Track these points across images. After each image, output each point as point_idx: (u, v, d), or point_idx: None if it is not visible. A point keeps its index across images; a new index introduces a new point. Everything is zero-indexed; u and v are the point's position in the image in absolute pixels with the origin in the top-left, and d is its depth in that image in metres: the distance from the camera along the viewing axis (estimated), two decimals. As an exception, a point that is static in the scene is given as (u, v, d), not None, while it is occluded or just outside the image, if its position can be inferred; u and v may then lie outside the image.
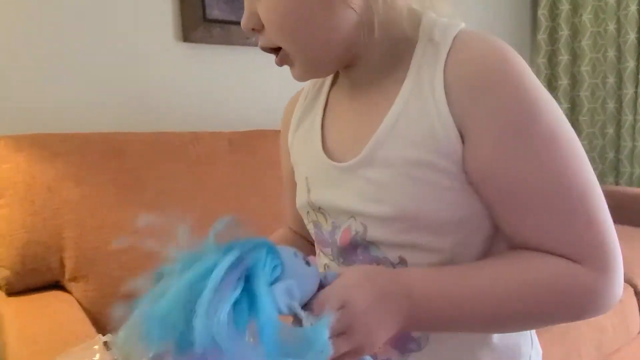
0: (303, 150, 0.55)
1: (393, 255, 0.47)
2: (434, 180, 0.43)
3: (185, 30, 1.40)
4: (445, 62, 0.42)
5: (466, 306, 0.41)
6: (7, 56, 1.16)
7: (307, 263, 0.40)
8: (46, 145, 1.03)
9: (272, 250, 0.38)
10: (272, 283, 0.36)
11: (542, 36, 2.25)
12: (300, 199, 0.54)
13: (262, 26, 0.44)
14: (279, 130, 1.48)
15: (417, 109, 0.43)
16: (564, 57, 2.21)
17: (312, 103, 0.55)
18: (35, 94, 1.20)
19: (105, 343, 0.73)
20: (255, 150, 1.31)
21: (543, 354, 0.65)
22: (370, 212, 0.46)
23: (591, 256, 0.41)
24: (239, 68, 1.53)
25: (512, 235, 0.44)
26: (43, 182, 1.00)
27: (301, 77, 0.49)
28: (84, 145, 1.07)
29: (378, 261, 0.47)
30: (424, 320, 0.42)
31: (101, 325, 0.98)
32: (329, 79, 0.55)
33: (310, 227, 0.55)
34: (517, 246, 0.44)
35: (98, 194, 1.04)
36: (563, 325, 1.07)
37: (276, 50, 0.46)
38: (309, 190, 0.53)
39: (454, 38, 0.43)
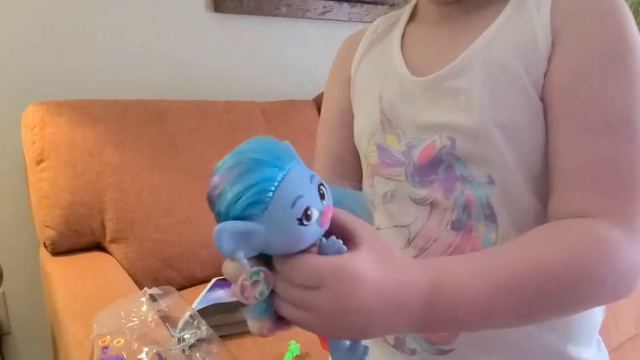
0: (376, 72, 0.54)
1: (480, 173, 0.44)
2: (525, 88, 0.43)
3: (216, 0, 1.40)
4: None
5: (499, 291, 0.37)
6: (50, 25, 1.18)
7: (304, 217, 0.30)
8: (87, 111, 1.05)
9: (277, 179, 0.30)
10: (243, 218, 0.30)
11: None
12: (369, 119, 0.53)
13: None
14: (311, 101, 1.47)
15: (519, 20, 0.45)
16: None
17: (384, 34, 0.56)
18: (76, 62, 1.22)
19: (151, 295, 0.76)
20: (287, 120, 1.31)
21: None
22: (460, 122, 0.45)
23: (628, 211, 0.39)
24: (269, 38, 1.53)
25: (555, 167, 0.42)
26: (84, 146, 1.02)
27: None
28: (123, 111, 1.09)
29: (463, 179, 0.45)
30: (448, 311, 0.36)
31: (140, 285, 1.01)
32: (405, 15, 0.56)
33: (371, 152, 0.52)
34: (553, 194, 0.42)
35: (137, 159, 1.06)
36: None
37: None
38: (382, 109, 0.51)
39: None
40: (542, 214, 0.44)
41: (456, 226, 0.45)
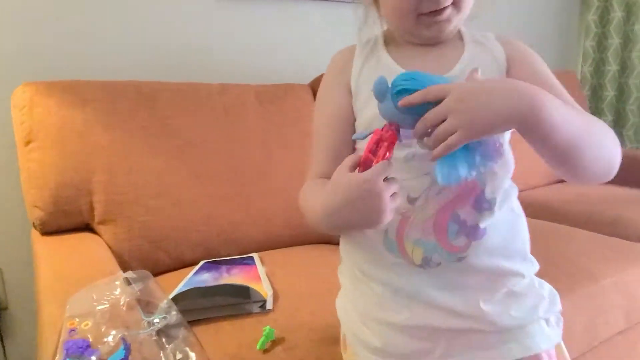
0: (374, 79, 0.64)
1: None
2: None
3: (215, -20, 1.38)
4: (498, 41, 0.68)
5: (582, 125, 0.55)
6: (45, 4, 1.17)
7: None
8: (77, 92, 1.05)
9: None
10: None
11: (592, 17, 2.13)
12: (374, 112, 0.61)
13: None
14: (307, 86, 1.44)
15: (483, 53, 0.66)
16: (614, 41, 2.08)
17: (370, 54, 0.69)
18: (72, 43, 1.22)
19: (125, 279, 0.76)
20: (281, 103, 1.29)
21: (567, 320, 0.67)
22: None
23: None
24: (269, 20, 1.50)
25: None
26: (74, 127, 1.02)
27: (449, 23, 0.64)
28: (114, 93, 1.09)
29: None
30: (547, 118, 0.51)
31: (128, 267, 1.02)
32: (379, 44, 0.69)
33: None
34: None
35: (127, 141, 1.07)
36: (586, 290, 1.03)
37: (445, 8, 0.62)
38: None
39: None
40: None
41: None
